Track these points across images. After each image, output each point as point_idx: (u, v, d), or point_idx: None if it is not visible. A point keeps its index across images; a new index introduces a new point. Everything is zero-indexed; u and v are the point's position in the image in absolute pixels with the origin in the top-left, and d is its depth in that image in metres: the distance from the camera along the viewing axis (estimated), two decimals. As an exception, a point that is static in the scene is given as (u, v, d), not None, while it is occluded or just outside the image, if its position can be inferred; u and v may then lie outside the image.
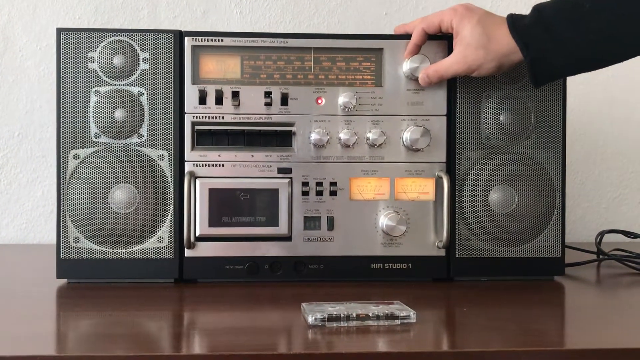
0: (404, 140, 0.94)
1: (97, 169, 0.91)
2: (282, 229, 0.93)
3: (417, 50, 0.92)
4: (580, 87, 1.33)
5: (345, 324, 0.71)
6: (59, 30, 0.92)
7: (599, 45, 0.83)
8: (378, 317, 0.72)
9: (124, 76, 0.91)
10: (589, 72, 0.90)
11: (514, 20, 0.86)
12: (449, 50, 0.94)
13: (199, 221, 0.91)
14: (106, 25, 1.29)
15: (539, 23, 0.84)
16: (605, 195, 1.40)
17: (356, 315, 0.72)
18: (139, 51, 0.91)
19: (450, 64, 0.89)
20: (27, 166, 1.31)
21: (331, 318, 0.71)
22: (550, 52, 0.84)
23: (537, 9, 0.85)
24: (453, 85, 0.94)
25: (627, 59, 0.86)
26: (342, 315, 0.71)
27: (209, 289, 0.90)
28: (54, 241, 0.92)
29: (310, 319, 0.71)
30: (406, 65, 0.93)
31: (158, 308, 0.82)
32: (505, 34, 0.86)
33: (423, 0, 1.35)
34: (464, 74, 0.90)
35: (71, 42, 0.91)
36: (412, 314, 0.72)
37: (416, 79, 0.93)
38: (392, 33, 0.96)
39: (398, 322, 0.72)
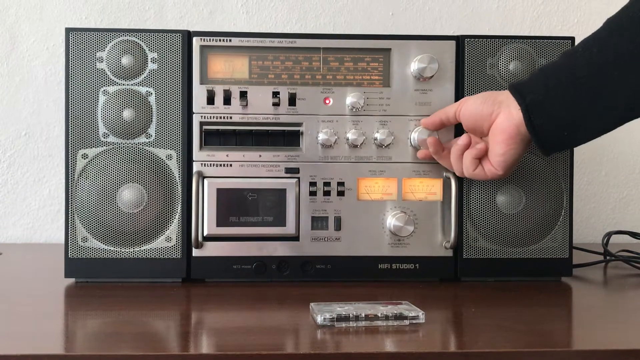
0: (412, 140, 0.94)
1: (106, 169, 0.91)
2: (289, 228, 0.93)
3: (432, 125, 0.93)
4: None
5: (354, 324, 0.71)
6: (68, 30, 0.92)
7: (589, 84, 0.79)
8: (387, 318, 0.72)
9: (132, 76, 0.92)
10: None
11: (514, 82, 0.86)
12: (457, 50, 0.94)
13: (206, 221, 0.92)
14: (113, 25, 1.29)
15: (536, 73, 0.83)
16: (611, 195, 1.40)
17: (365, 315, 0.72)
18: (147, 51, 0.92)
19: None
20: (34, 165, 1.31)
21: (340, 318, 0.71)
22: (546, 96, 0.80)
23: (538, 68, 0.85)
24: (461, 86, 0.94)
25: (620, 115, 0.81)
26: (351, 315, 0.71)
27: (217, 288, 0.90)
28: (61, 240, 0.93)
29: (319, 319, 0.71)
30: (414, 66, 0.93)
31: (166, 307, 0.82)
32: (506, 91, 0.85)
33: (430, 1, 1.35)
34: (452, 111, 0.90)
35: (80, 42, 0.91)
36: (420, 314, 0.72)
37: (424, 79, 0.94)
38: (400, 33, 0.96)
39: (407, 322, 0.72)
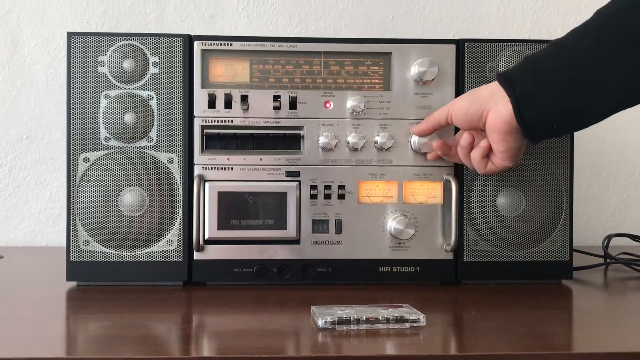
0: (412, 143, 0.94)
1: (107, 172, 0.91)
2: (290, 232, 0.93)
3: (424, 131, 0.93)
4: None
5: (355, 327, 0.71)
6: (70, 35, 0.92)
7: (580, 77, 0.78)
8: (388, 321, 0.72)
9: (133, 80, 0.92)
10: None
11: (501, 70, 0.85)
12: (457, 54, 0.94)
13: (207, 224, 0.92)
14: (114, 29, 1.30)
15: (525, 63, 0.82)
16: (611, 198, 1.41)
17: (366, 318, 0.72)
18: (148, 55, 0.92)
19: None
20: (35, 169, 1.31)
21: (341, 321, 0.71)
22: (535, 87, 0.79)
23: (525, 56, 0.84)
24: (461, 89, 0.94)
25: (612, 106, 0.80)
26: (352, 318, 0.72)
27: (218, 291, 0.91)
28: (62, 243, 0.93)
29: (321, 322, 0.71)
30: (414, 69, 0.93)
31: (167, 310, 0.82)
32: (493, 82, 0.84)
33: (429, 5, 1.35)
34: (443, 116, 0.89)
35: (81, 46, 0.92)
36: (421, 317, 0.73)
37: (424, 83, 0.94)
38: (400, 36, 0.96)
39: (408, 325, 0.72)
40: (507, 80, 0.81)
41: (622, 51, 0.76)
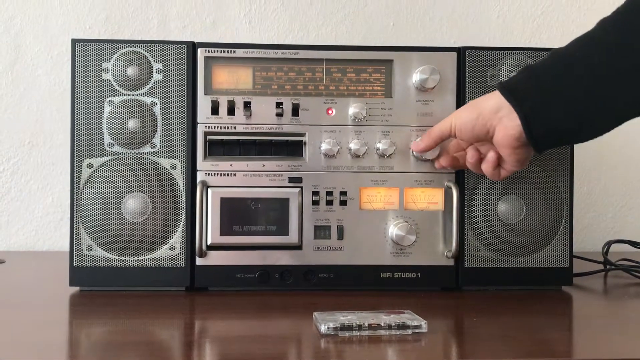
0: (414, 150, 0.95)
1: (111, 178, 0.92)
2: (292, 237, 0.93)
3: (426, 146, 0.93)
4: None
5: (358, 334, 0.72)
6: (74, 41, 0.93)
7: (592, 93, 0.77)
8: (390, 327, 0.72)
9: (137, 86, 0.93)
10: None
11: (503, 81, 0.84)
12: (458, 62, 0.95)
13: (210, 230, 0.92)
14: (116, 35, 1.30)
15: (529, 75, 0.81)
16: (611, 204, 1.41)
17: (368, 324, 0.72)
18: (152, 62, 0.93)
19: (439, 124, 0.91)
20: (37, 174, 1.32)
21: (343, 327, 0.72)
22: (544, 103, 0.79)
23: (526, 66, 0.83)
24: (462, 97, 0.95)
25: (623, 113, 0.79)
26: (354, 324, 0.72)
27: (220, 297, 0.91)
28: (63, 248, 0.93)
29: (323, 328, 0.72)
30: (416, 77, 0.94)
31: (169, 316, 0.82)
32: (495, 94, 0.83)
33: (430, 11, 1.36)
34: (446, 131, 0.89)
35: (86, 52, 0.92)
36: (423, 323, 0.73)
37: (426, 90, 0.95)
38: (400, 43, 0.97)
39: (409, 331, 0.73)
40: (512, 94, 0.81)
41: (637, 67, 0.75)
